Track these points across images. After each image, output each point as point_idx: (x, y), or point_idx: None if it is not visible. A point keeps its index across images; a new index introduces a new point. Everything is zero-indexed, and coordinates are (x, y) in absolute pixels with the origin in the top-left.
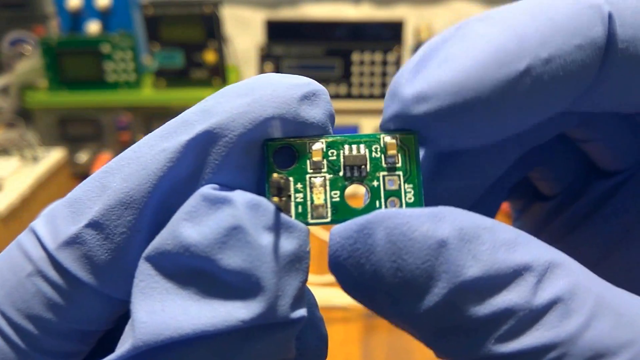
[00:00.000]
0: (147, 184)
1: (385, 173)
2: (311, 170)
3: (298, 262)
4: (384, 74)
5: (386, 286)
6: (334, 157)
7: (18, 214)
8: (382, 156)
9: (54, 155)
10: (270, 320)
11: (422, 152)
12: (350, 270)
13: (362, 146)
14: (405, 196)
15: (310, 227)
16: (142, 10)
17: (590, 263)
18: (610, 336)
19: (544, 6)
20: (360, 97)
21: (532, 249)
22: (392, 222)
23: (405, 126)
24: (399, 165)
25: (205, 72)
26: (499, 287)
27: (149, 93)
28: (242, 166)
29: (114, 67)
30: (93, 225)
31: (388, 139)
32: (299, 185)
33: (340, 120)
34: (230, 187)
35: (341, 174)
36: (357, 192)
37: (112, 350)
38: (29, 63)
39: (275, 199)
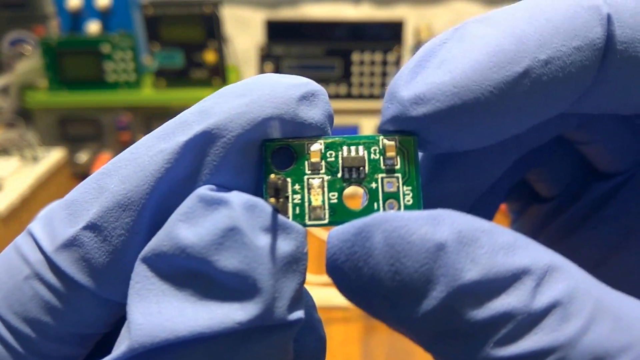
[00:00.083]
0: (145, 185)
1: (383, 175)
2: (309, 172)
3: (295, 263)
4: (384, 74)
5: (384, 290)
6: (333, 159)
7: (18, 214)
8: (381, 158)
9: (54, 155)
10: (267, 322)
11: (420, 154)
12: (348, 274)
13: (360, 148)
14: (404, 198)
15: (310, 227)
16: (142, 10)
17: (590, 265)
18: (609, 340)
19: (543, 7)
20: (360, 97)
21: (531, 253)
22: (390, 225)
23: (403, 128)
24: (398, 167)
25: (205, 72)
26: (498, 291)
27: (149, 93)
28: (240, 167)
29: (114, 67)
30: (91, 227)
31: (387, 141)
32: (297, 187)
33: (340, 120)
34: (228, 188)
35: (339, 175)
36: (357, 192)
37: (109, 353)
38: (29, 63)
39: (273, 200)
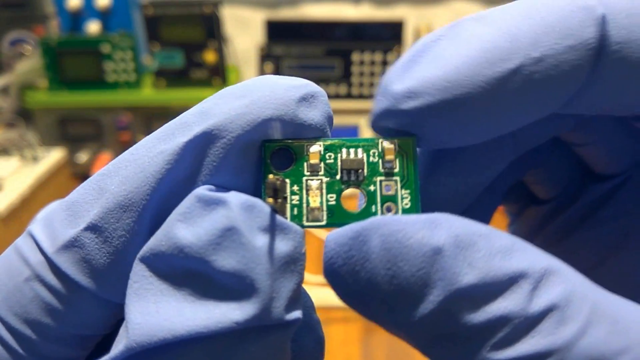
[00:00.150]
0: (146, 186)
1: (382, 178)
2: (308, 173)
3: (293, 263)
4: (384, 74)
5: (381, 294)
6: (332, 160)
7: (18, 214)
8: (380, 161)
9: (54, 155)
10: (265, 322)
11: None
12: (345, 278)
13: (359, 150)
14: (402, 202)
15: (307, 228)
16: (142, 10)
17: (587, 267)
18: (606, 343)
19: (538, 7)
20: (360, 97)
21: (527, 256)
22: (387, 229)
23: (395, 122)
24: (397, 170)
25: (205, 72)
26: (495, 295)
27: (149, 93)
28: (239, 167)
29: (114, 67)
30: (92, 228)
31: (386, 143)
32: (296, 188)
33: (340, 120)
34: (228, 189)
35: (338, 177)
36: (357, 192)
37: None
38: (29, 63)
39: (271, 200)
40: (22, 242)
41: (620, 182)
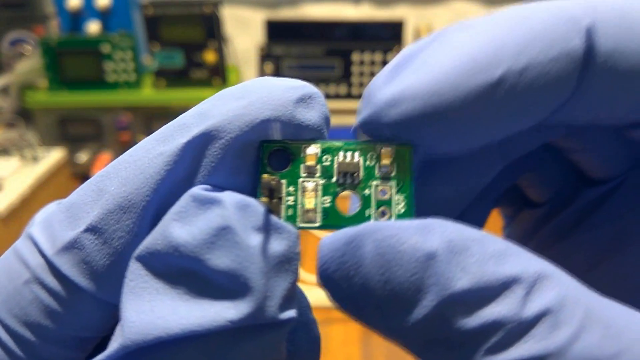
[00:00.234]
0: (146, 187)
1: (377, 182)
2: (304, 174)
3: (287, 263)
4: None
5: (375, 299)
6: (328, 163)
7: (18, 214)
8: (377, 165)
9: (54, 155)
10: (259, 321)
11: None
12: (339, 283)
13: (356, 153)
14: (397, 207)
15: (301, 230)
16: (142, 10)
17: (582, 270)
18: (599, 347)
19: (524, 17)
20: (360, 97)
21: (521, 261)
22: (380, 234)
23: (377, 130)
24: (393, 175)
25: (205, 72)
26: (488, 299)
27: (149, 93)
28: (237, 168)
29: (114, 67)
30: (91, 230)
31: (384, 148)
32: (291, 189)
33: (340, 120)
34: (225, 189)
35: (334, 180)
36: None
37: None
38: (29, 63)
39: (266, 200)
40: (22, 245)
41: (614, 185)
